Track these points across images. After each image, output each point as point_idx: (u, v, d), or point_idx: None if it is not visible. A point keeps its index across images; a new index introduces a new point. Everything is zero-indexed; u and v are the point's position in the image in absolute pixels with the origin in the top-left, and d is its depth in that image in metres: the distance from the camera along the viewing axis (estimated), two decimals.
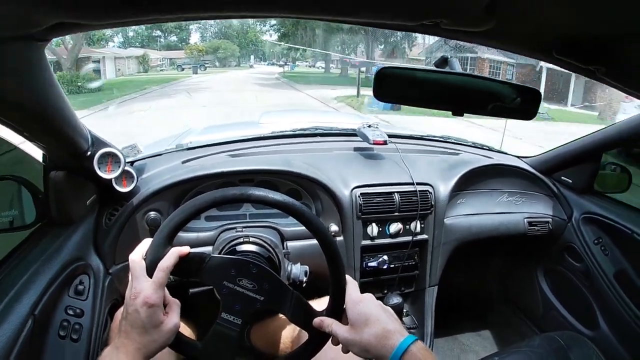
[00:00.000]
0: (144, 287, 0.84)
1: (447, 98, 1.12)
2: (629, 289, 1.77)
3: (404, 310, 1.73)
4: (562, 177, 2.05)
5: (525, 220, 1.94)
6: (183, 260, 0.90)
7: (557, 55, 0.95)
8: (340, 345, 0.90)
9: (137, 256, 0.88)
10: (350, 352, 0.89)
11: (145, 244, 0.92)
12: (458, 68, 1.13)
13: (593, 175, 1.97)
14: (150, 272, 0.87)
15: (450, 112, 1.13)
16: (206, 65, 39.24)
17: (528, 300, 2.26)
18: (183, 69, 36.79)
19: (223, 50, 44.66)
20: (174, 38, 47.71)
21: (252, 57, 49.20)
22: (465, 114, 1.14)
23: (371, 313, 0.87)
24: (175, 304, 0.89)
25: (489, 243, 1.91)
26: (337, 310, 0.94)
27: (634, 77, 1.17)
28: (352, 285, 0.94)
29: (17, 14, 0.61)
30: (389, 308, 0.91)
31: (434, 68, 1.12)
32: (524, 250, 2.19)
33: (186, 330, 1.29)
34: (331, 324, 0.90)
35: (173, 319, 0.86)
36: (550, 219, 1.99)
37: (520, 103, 1.17)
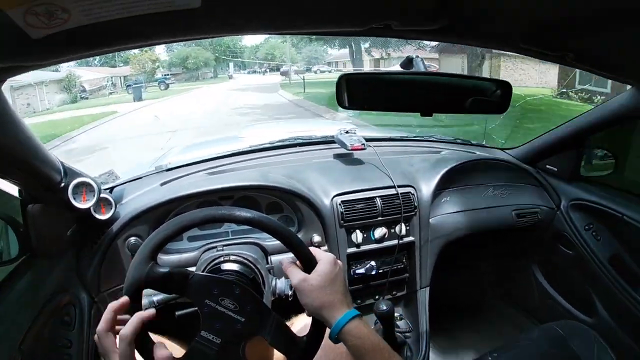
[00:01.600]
0: None
1: (415, 99, 1.11)
2: (624, 273, 1.76)
3: (397, 315, 1.70)
4: (547, 166, 2.03)
5: (513, 212, 1.93)
6: (166, 276, 0.90)
7: (523, 44, 0.93)
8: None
9: (102, 329, 0.86)
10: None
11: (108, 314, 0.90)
12: (423, 68, 1.11)
13: (578, 161, 1.96)
14: (129, 291, 0.88)
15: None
16: (168, 81, 28.89)
17: (524, 292, 2.24)
18: (134, 89, 23.43)
19: (193, 60, 35.92)
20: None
21: (230, 65, 40.47)
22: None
23: (337, 278, 0.94)
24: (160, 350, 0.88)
25: (479, 239, 1.89)
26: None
27: (604, 60, 1.16)
28: (323, 253, 0.99)
29: None
30: (346, 279, 1.00)
31: (398, 70, 1.10)
32: (515, 243, 2.18)
33: (173, 350, 1.27)
34: (290, 267, 0.97)
35: None
36: (539, 209, 1.98)
37: (491, 97, 1.15)
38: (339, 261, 0.97)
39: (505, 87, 1.15)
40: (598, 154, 1.96)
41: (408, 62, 1.13)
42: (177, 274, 0.92)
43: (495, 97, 1.15)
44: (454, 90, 1.14)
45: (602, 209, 1.82)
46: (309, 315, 0.96)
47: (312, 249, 0.98)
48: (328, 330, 0.92)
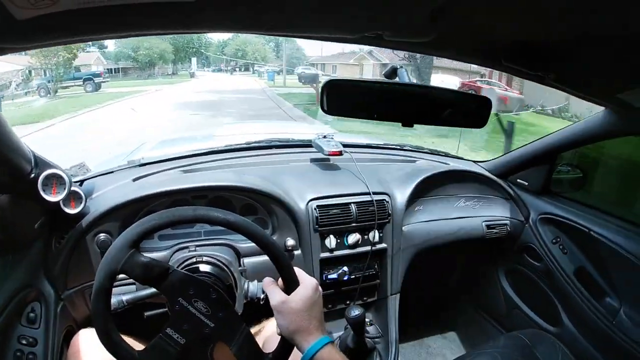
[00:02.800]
0: None
1: (397, 109, 1.11)
2: (589, 285, 1.82)
3: (367, 320, 1.72)
4: (518, 180, 2.09)
5: (484, 223, 1.97)
6: (147, 266, 0.90)
7: (505, 62, 0.95)
8: None
9: None
10: None
11: None
12: (407, 78, 1.12)
13: (549, 177, 2.02)
14: (105, 277, 0.87)
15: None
16: (98, 80, 20.72)
17: (492, 300, 2.29)
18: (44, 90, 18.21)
19: (146, 51, 28.97)
20: None
21: (193, 61, 33.95)
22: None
23: (317, 303, 0.94)
24: None
25: (450, 248, 1.92)
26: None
27: (582, 82, 1.20)
28: (304, 275, 0.99)
29: None
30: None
31: (382, 79, 1.11)
32: (485, 253, 2.22)
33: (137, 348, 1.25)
34: (271, 286, 0.96)
35: None
36: (508, 221, 2.02)
37: (471, 111, 1.17)
38: (319, 287, 0.98)
39: (485, 103, 1.17)
40: (568, 171, 2.01)
41: (392, 72, 1.15)
42: (157, 265, 0.92)
43: (474, 111, 1.17)
44: (436, 102, 1.16)
45: (570, 223, 1.88)
46: (280, 334, 0.95)
47: (296, 269, 0.97)
48: (296, 351, 0.93)
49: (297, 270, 0.97)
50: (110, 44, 28.84)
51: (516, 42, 0.86)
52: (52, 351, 1.18)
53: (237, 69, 36.48)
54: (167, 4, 0.56)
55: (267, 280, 0.97)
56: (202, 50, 35.60)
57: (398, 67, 1.14)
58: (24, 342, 1.11)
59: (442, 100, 1.17)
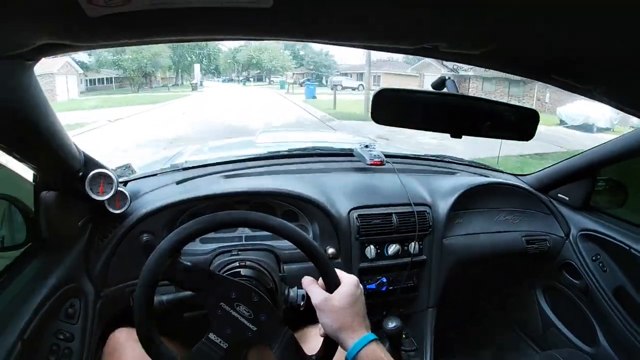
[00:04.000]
0: None
1: (445, 119, 1.11)
2: (628, 305, 1.76)
3: (403, 333, 1.70)
4: (559, 195, 2.04)
5: (524, 238, 1.93)
6: (188, 272, 0.90)
7: (555, 76, 0.94)
8: None
9: None
10: None
11: None
12: (455, 89, 1.12)
13: (589, 192, 1.97)
14: (147, 284, 0.88)
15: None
16: None
17: (527, 318, 2.24)
18: None
19: (134, 54, 23.08)
20: None
21: (196, 69, 27.42)
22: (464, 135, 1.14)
23: (359, 300, 0.93)
24: None
25: (488, 263, 1.89)
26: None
27: (632, 97, 1.18)
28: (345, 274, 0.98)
29: (3, 35, 0.60)
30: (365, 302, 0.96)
31: (431, 90, 1.11)
32: (523, 269, 2.18)
33: (172, 345, 1.27)
34: (311, 285, 0.95)
35: None
36: (548, 237, 1.98)
37: (518, 124, 1.17)
38: (360, 284, 0.96)
39: (533, 115, 1.16)
40: (609, 186, 1.96)
41: (440, 83, 1.15)
42: (198, 270, 0.92)
43: (522, 124, 1.16)
44: (484, 113, 1.16)
45: (610, 240, 1.83)
46: (323, 335, 0.95)
47: (337, 271, 0.97)
48: (340, 352, 0.93)
49: (336, 270, 0.97)
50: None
51: (567, 54, 0.86)
52: (88, 347, 1.19)
53: (251, 79, 33.55)
54: (241, 9, 0.57)
55: (307, 279, 0.97)
56: (208, 59, 31.32)
57: (446, 78, 1.15)
58: (61, 336, 1.12)
59: (489, 111, 1.16)
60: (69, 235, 1.30)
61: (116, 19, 0.55)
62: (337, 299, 0.90)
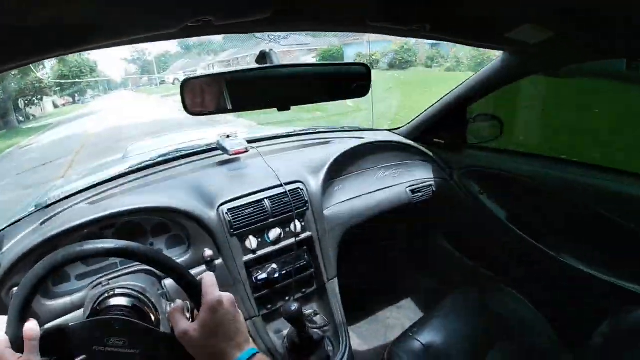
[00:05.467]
0: None
1: (270, 95, 1.07)
2: (524, 228, 1.85)
3: (311, 311, 1.68)
4: (435, 140, 2.08)
5: (408, 189, 1.98)
6: (41, 341, 0.79)
7: (372, 22, 0.91)
8: None
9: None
10: None
11: (1, 322, 0.80)
12: (277, 61, 1.07)
13: (464, 131, 2.02)
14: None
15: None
16: None
17: (436, 261, 2.30)
18: None
19: None
20: None
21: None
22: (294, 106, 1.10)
23: (222, 323, 0.85)
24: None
25: (379, 221, 1.90)
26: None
27: (464, 28, 1.18)
28: (211, 286, 0.89)
29: None
30: (240, 315, 0.89)
31: (246, 67, 1.06)
32: (417, 219, 2.22)
33: None
34: (175, 315, 0.88)
35: None
36: (432, 182, 2.04)
37: (350, 81, 1.14)
38: (225, 298, 0.88)
39: (364, 69, 1.14)
40: (481, 121, 2.02)
41: (261, 57, 1.09)
42: (51, 333, 0.83)
43: (353, 81, 1.14)
44: (314, 79, 1.13)
45: (492, 172, 1.90)
46: None
47: (204, 284, 0.89)
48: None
49: (205, 286, 0.89)
50: None
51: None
52: None
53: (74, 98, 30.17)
54: None
55: (173, 308, 0.90)
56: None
57: (266, 50, 1.09)
58: None
59: (319, 75, 1.14)
60: None
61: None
62: (195, 330, 0.84)
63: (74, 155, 10.49)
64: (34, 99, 24.79)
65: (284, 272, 1.64)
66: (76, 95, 30.36)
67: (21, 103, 22.29)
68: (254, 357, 0.83)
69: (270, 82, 1.06)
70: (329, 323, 1.72)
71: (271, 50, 1.09)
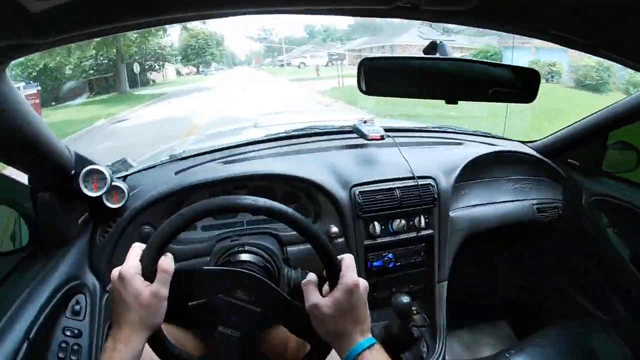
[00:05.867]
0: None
1: (439, 86, 1.07)
2: None
3: (414, 309, 1.67)
4: (569, 160, 1.98)
5: (534, 206, 1.88)
6: (173, 276, 0.86)
7: (552, 30, 0.89)
8: None
9: (132, 270, 0.84)
10: None
11: (136, 249, 0.88)
12: (449, 53, 1.07)
13: (601, 156, 1.90)
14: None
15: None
16: None
17: (542, 289, 2.20)
18: None
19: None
20: None
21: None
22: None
23: (354, 306, 0.86)
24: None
25: (499, 233, 1.85)
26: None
27: (635, 48, 1.12)
28: (350, 268, 0.90)
29: None
30: (366, 303, 0.89)
31: (422, 55, 1.06)
32: (535, 238, 2.13)
33: (187, 344, 1.26)
34: (308, 287, 0.89)
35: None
36: (560, 204, 1.93)
37: (519, 85, 1.12)
38: (361, 283, 0.88)
39: (533, 75, 1.11)
40: (621, 149, 1.88)
41: (431, 48, 1.09)
42: (185, 272, 0.90)
43: (522, 85, 1.11)
44: (480, 77, 1.11)
45: (625, 205, 1.77)
46: None
47: (344, 263, 0.90)
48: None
49: (345, 266, 0.89)
50: None
51: (564, 5, 0.81)
52: (96, 342, 1.19)
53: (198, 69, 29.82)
54: None
55: (307, 280, 0.91)
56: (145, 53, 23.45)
57: (438, 42, 1.09)
58: (68, 333, 1.13)
59: (487, 74, 1.12)
60: (70, 234, 1.30)
61: (60, 11, 0.53)
62: (327, 305, 0.85)
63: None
64: (155, 64, 24.73)
65: (399, 264, 1.64)
66: (200, 66, 31.13)
67: (136, 67, 21.55)
68: (372, 347, 0.84)
69: (440, 73, 1.06)
70: (429, 324, 1.71)
71: (441, 41, 1.09)
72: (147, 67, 24.23)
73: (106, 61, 20.77)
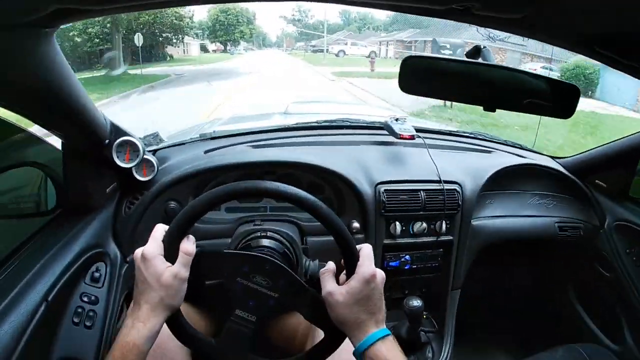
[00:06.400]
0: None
1: (479, 91, 1.06)
2: None
3: (424, 313, 1.67)
4: (597, 181, 1.95)
5: (556, 224, 1.85)
6: (195, 257, 0.88)
7: (598, 48, 0.88)
8: None
9: (154, 251, 0.86)
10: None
11: (159, 230, 0.90)
12: (491, 59, 1.07)
13: (629, 180, 1.87)
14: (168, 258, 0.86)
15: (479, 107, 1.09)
16: None
17: (553, 307, 2.18)
18: None
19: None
20: None
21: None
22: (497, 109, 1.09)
23: (370, 297, 0.86)
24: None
25: (517, 247, 1.84)
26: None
27: None
28: (368, 258, 0.90)
29: (13, 1, 0.59)
30: (382, 294, 0.89)
31: (464, 58, 1.06)
32: (552, 256, 2.11)
33: (202, 325, 1.27)
34: (325, 275, 0.91)
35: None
36: (582, 225, 1.90)
37: (558, 99, 1.11)
38: (379, 274, 0.89)
39: (573, 91, 1.10)
40: None
41: (475, 52, 1.08)
42: (206, 253, 0.91)
43: (560, 100, 1.10)
44: (520, 87, 1.10)
45: None
46: None
47: (362, 254, 0.90)
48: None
49: (362, 256, 0.90)
50: None
51: (614, 26, 0.80)
52: (111, 310, 1.21)
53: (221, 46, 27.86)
54: None
55: (325, 268, 0.92)
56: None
57: (482, 46, 1.09)
58: (85, 299, 1.14)
59: (527, 85, 1.11)
60: (97, 202, 1.32)
61: None
62: (342, 294, 0.86)
63: None
64: (172, 37, 20.98)
65: (415, 266, 1.64)
66: (228, 44, 28.95)
67: (138, 39, 16.83)
68: (386, 338, 0.85)
69: (480, 78, 1.05)
70: (437, 330, 1.71)
71: (485, 47, 1.08)
72: (161, 39, 20.82)
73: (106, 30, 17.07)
